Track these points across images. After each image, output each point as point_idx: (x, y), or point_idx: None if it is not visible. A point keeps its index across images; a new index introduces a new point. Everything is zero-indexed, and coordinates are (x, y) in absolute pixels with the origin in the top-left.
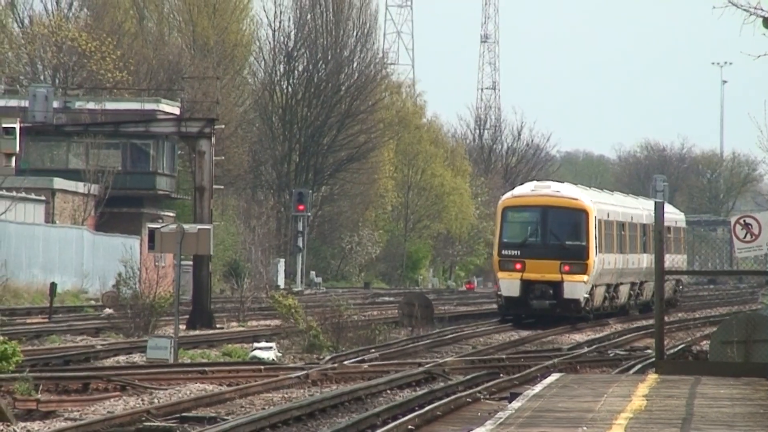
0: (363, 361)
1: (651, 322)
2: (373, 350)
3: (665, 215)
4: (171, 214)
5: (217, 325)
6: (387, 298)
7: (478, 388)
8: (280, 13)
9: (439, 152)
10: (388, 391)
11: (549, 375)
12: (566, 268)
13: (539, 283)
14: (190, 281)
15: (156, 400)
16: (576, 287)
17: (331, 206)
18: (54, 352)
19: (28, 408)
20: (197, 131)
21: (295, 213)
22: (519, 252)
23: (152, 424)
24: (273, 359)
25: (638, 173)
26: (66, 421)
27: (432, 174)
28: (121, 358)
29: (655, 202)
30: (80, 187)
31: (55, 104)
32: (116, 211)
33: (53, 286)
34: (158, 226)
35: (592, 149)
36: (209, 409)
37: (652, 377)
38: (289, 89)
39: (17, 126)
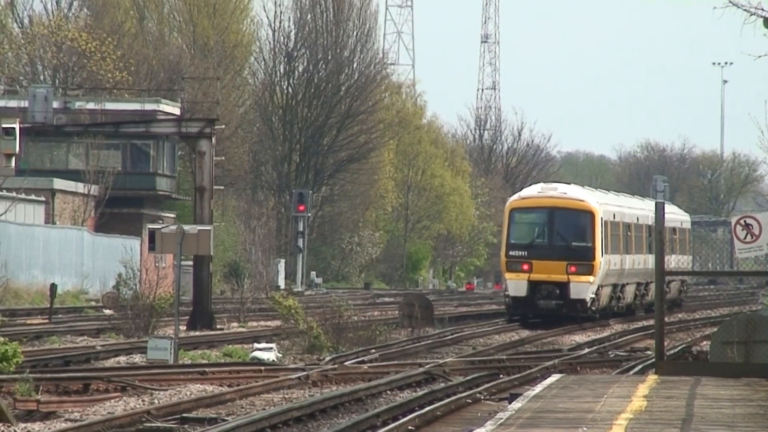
0: (363, 361)
1: (651, 322)
2: (373, 351)
3: (671, 216)
4: (171, 215)
5: (218, 326)
6: (387, 299)
7: (479, 389)
8: (281, 13)
9: (439, 152)
10: (389, 392)
11: (549, 376)
12: (573, 268)
13: (546, 283)
14: (191, 282)
15: (156, 401)
16: (582, 287)
17: (332, 207)
18: (54, 352)
19: (29, 409)
20: (197, 131)
21: (296, 213)
22: (526, 253)
23: (153, 424)
24: (273, 360)
25: (639, 173)
26: (66, 422)
27: (432, 174)
28: (122, 359)
29: (656, 203)
30: (80, 187)
31: (55, 104)
32: (116, 212)
33: (53, 286)
34: (158, 226)
35: (593, 149)
36: (210, 410)
37: (652, 378)
38: (290, 89)
39: (17, 126)
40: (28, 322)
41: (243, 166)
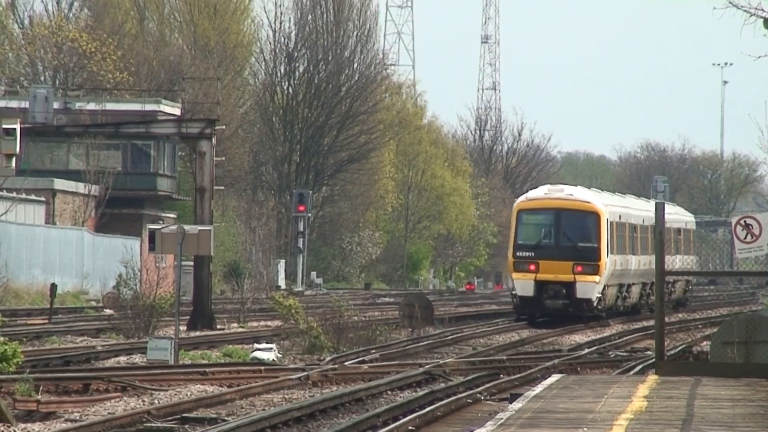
0: (363, 361)
1: (651, 323)
2: (373, 351)
3: (676, 217)
4: (172, 215)
5: (218, 326)
6: (387, 299)
7: (479, 389)
8: (281, 14)
9: (439, 153)
10: (389, 392)
11: (549, 376)
12: (579, 268)
13: (553, 283)
14: (191, 282)
15: (156, 401)
16: (588, 287)
17: (332, 207)
18: (54, 352)
19: (29, 409)
20: (198, 132)
21: (296, 214)
22: (533, 253)
23: (153, 425)
24: (273, 360)
25: (639, 174)
26: (66, 422)
27: (432, 175)
28: (122, 359)
29: (656, 203)
30: (81, 188)
31: (56, 105)
32: (117, 212)
33: (53, 287)
34: (159, 227)
35: (593, 150)
36: (210, 410)
37: (652, 378)
38: (290, 90)
39: (17, 127)
40: (29, 322)
41: (243, 166)
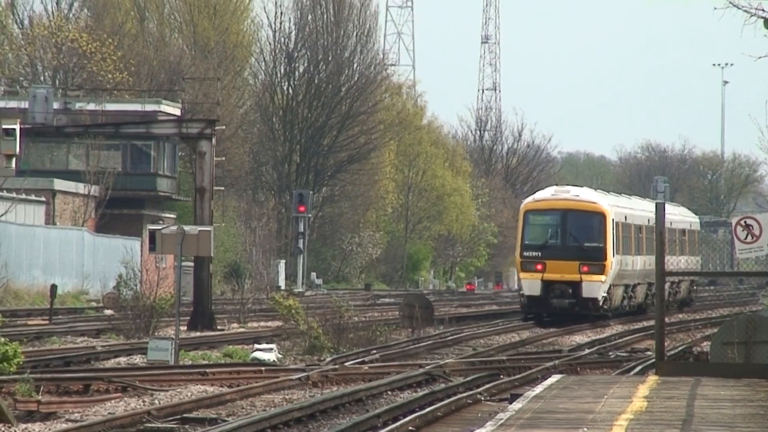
0: (363, 362)
1: (652, 323)
2: (373, 351)
3: (681, 218)
4: (172, 216)
5: (218, 327)
6: (387, 300)
7: (479, 390)
8: (281, 14)
9: (439, 153)
10: (389, 393)
11: (549, 376)
12: (585, 268)
13: (559, 282)
14: (191, 283)
15: (157, 402)
16: (594, 287)
17: (332, 207)
18: (55, 353)
19: (29, 409)
20: (198, 132)
21: (296, 214)
22: (540, 253)
23: (153, 425)
24: (274, 360)
25: (639, 174)
26: (67, 423)
27: (433, 175)
28: (122, 360)
29: (656, 203)
30: (80, 188)
31: (56, 105)
32: (117, 213)
33: (54, 287)
34: (159, 227)
35: (593, 150)
36: (210, 411)
37: (652, 378)
38: (290, 90)
39: (17, 127)
40: (29, 322)
41: (243, 166)
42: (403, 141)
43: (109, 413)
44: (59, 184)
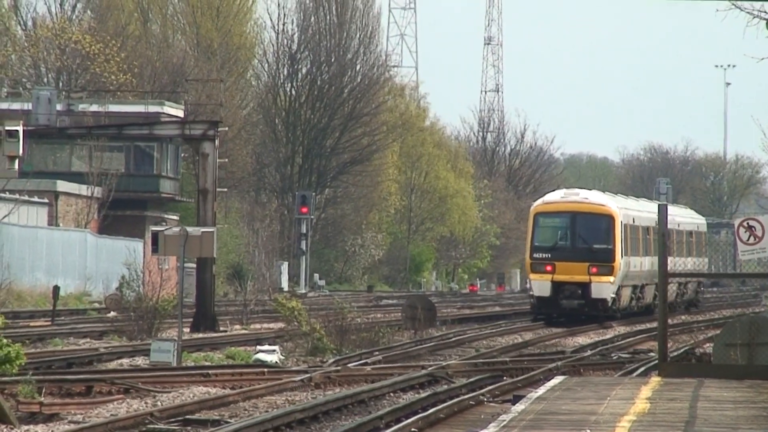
0: (366, 363)
1: (654, 324)
2: (376, 353)
3: (688, 220)
4: (174, 217)
5: (221, 328)
6: (390, 301)
7: (482, 391)
8: (284, 15)
9: (442, 154)
10: (392, 394)
11: (552, 378)
12: (594, 269)
13: (569, 284)
14: (194, 284)
15: (159, 403)
16: (603, 288)
17: (335, 209)
18: (57, 354)
19: (32, 411)
20: (201, 134)
21: (299, 216)
22: (550, 255)
23: (156, 426)
24: (276, 362)
25: (642, 176)
26: (69, 424)
27: (435, 176)
28: (125, 361)
29: (659, 205)
30: (83, 189)
31: (59, 107)
32: (119, 214)
33: (56, 289)
34: (162, 228)
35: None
36: (213, 412)
37: (655, 380)
38: (293, 92)
39: (20, 129)
40: (31, 324)
41: (246, 168)
42: (406, 142)
43: (112, 415)
44: (62, 185)
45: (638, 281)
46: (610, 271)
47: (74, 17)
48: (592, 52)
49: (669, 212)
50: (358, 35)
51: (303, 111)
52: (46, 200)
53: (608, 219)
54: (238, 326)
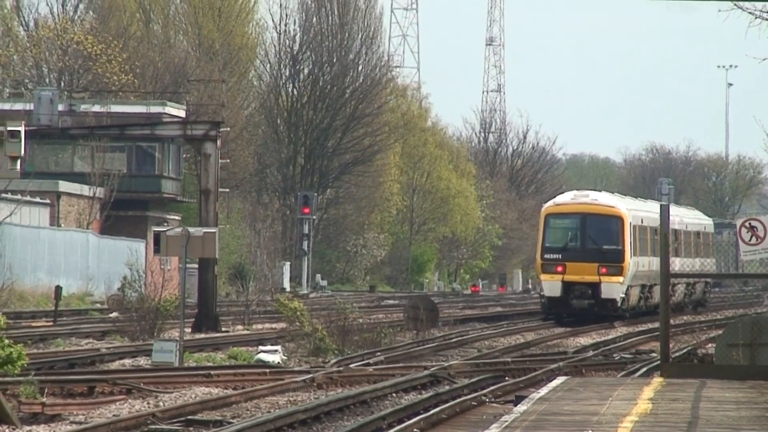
0: (368, 364)
1: (656, 325)
2: (378, 353)
3: (695, 221)
4: (176, 218)
5: (223, 329)
6: (392, 302)
7: (484, 392)
8: (286, 16)
9: (444, 155)
10: (394, 395)
11: (554, 378)
12: (603, 270)
13: (579, 284)
14: (196, 284)
15: (161, 404)
16: (613, 288)
17: (337, 209)
18: (59, 355)
19: (34, 411)
20: (203, 134)
21: (301, 216)
22: (560, 255)
23: (158, 427)
24: (278, 362)
25: (644, 176)
26: (71, 425)
27: (437, 177)
28: (127, 362)
29: (661, 205)
30: (85, 190)
31: (61, 107)
32: (122, 215)
33: (58, 289)
34: (164, 229)
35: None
36: (215, 413)
37: (657, 380)
38: (295, 92)
39: (22, 129)
40: (33, 324)
41: (248, 168)
42: (408, 143)
43: (114, 415)
44: (64, 186)
45: (646, 281)
46: (620, 272)
47: (76, 18)
48: (593, 52)
49: (677, 213)
50: (360, 36)
51: (305, 111)
52: (48, 201)
53: (618, 220)
54: (240, 327)
